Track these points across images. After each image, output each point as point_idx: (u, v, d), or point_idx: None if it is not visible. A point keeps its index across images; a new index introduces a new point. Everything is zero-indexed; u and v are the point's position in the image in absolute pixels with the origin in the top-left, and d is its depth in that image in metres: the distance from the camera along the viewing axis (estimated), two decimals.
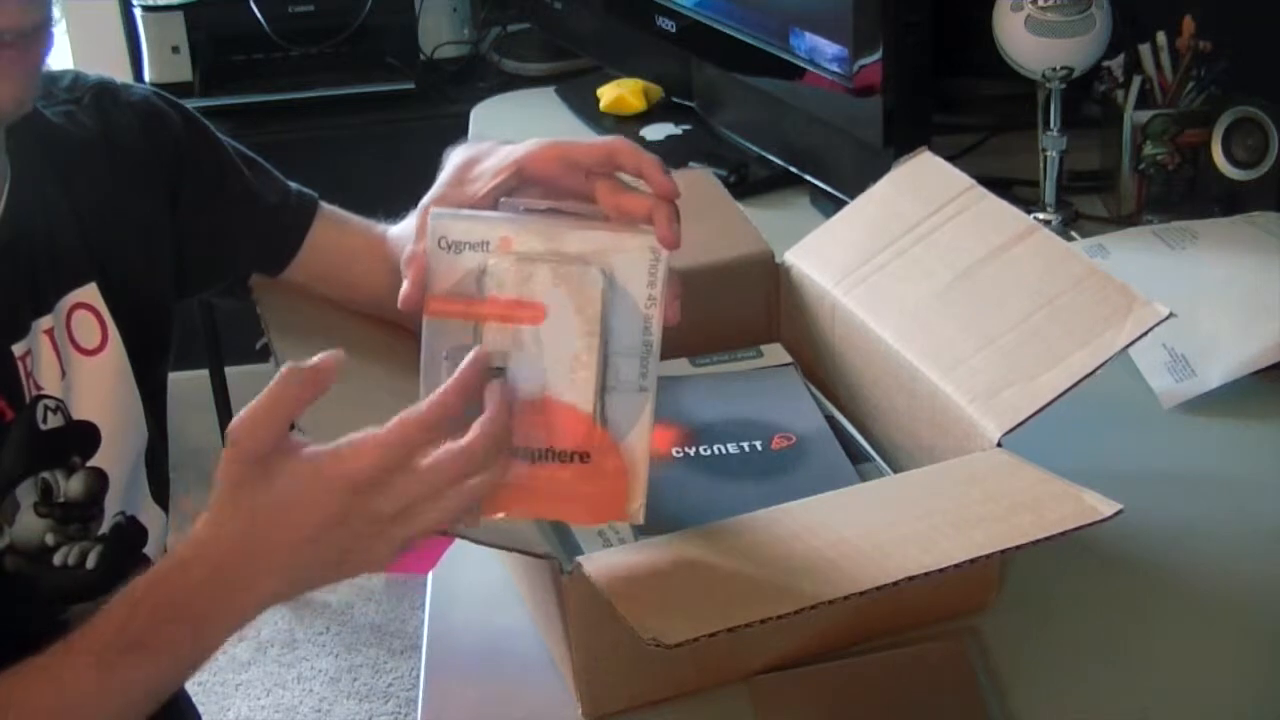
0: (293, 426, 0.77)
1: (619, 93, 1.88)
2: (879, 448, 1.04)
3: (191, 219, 1.02)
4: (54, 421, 0.91)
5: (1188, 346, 1.20)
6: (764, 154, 1.66)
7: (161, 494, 1.01)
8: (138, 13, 2.32)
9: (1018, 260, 1.03)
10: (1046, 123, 1.46)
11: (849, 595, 0.77)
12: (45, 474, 0.91)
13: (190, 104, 1.06)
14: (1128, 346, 0.93)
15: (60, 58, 2.42)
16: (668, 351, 1.02)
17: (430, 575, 1.03)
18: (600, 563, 0.81)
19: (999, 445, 0.92)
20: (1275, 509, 1.06)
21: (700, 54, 1.77)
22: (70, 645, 0.78)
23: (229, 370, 2.46)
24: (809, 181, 1.58)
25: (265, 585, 0.77)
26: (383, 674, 2.26)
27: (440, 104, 2.34)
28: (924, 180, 1.13)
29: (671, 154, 1.73)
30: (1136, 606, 0.97)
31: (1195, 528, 1.04)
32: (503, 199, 0.86)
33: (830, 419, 1.07)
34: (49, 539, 0.92)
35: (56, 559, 0.92)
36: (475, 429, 0.76)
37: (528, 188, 0.88)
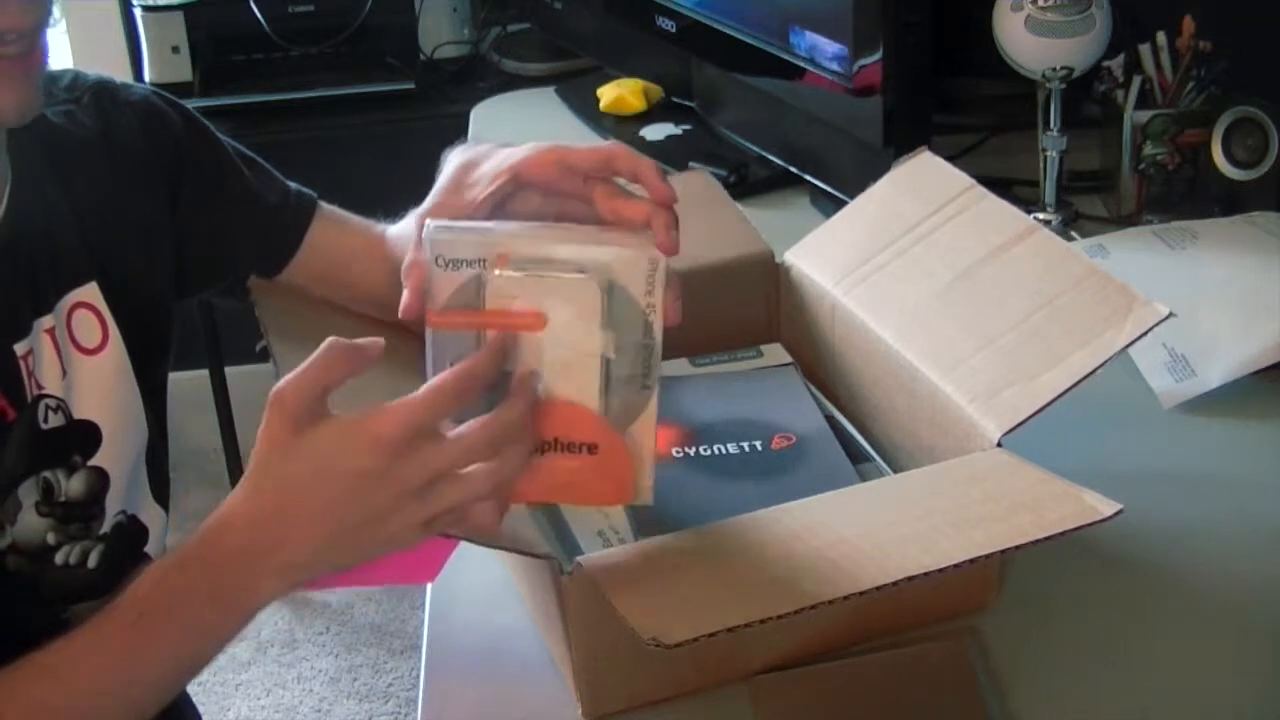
0: None
1: (619, 93, 1.88)
2: (879, 448, 1.04)
3: (191, 219, 1.02)
4: (55, 421, 0.91)
5: (1188, 346, 1.20)
6: (764, 154, 1.66)
7: (162, 493, 1.01)
8: (138, 13, 2.32)
9: (1018, 260, 1.03)
10: (1046, 123, 1.46)
11: (849, 595, 0.77)
12: (46, 473, 0.91)
13: (190, 104, 1.06)
14: (1128, 346, 0.93)
15: (60, 58, 2.42)
16: (668, 352, 1.02)
17: None
18: (600, 563, 0.81)
19: (999, 445, 0.92)
20: (1275, 509, 1.06)
21: (700, 54, 1.77)
22: (112, 609, 0.79)
23: (229, 370, 2.46)
24: (809, 181, 1.58)
25: (292, 552, 0.77)
26: (383, 674, 2.26)
27: (440, 104, 2.34)
28: (924, 180, 1.13)
29: (671, 154, 1.73)
30: (1136, 606, 0.97)
31: (1195, 528, 1.04)
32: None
33: (830, 419, 1.07)
34: (50, 538, 0.92)
35: (58, 558, 0.92)
36: (499, 409, 0.78)
37: (525, 192, 0.88)
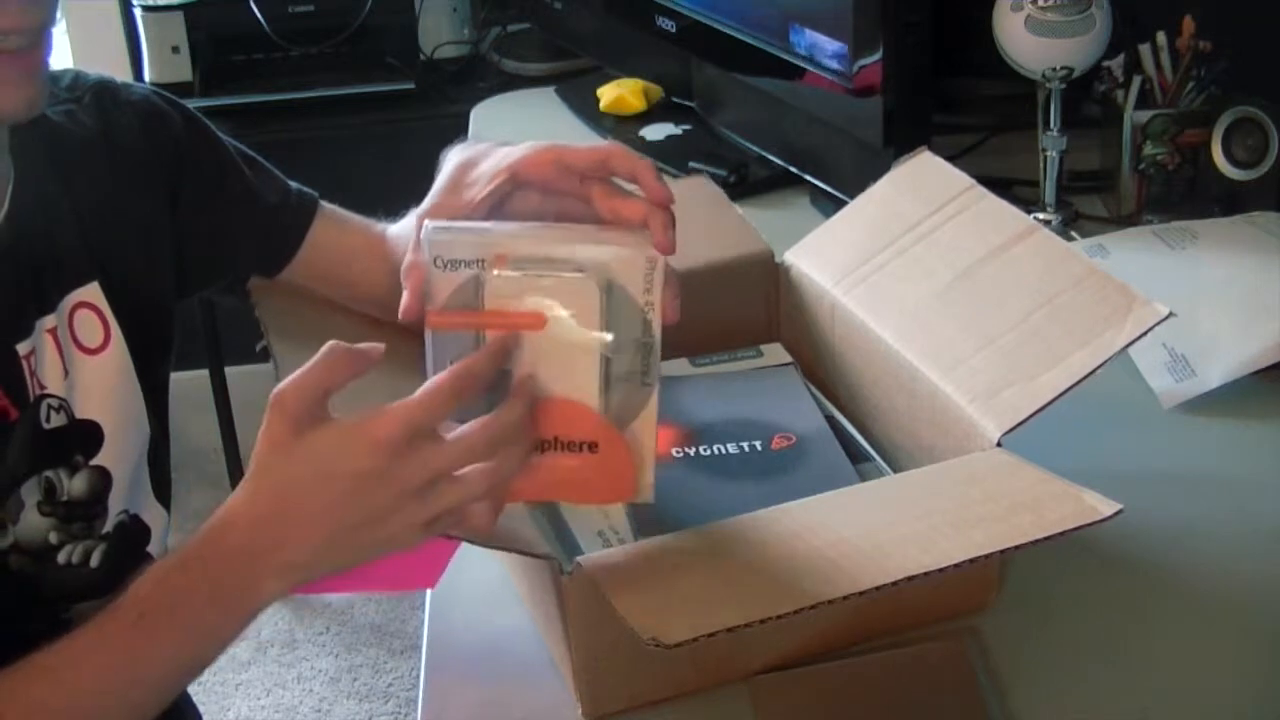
0: None
1: (619, 93, 1.88)
2: (879, 448, 1.04)
3: (192, 218, 1.02)
4: (57, 420, 0.91)
5: (1188, 346, 1.20)
6: (764, 154, 1.66)
7: (164, 493, 1.01)
8: (138, 13, 2.32)
9: (1017, 260, 1.03)
10: (1046, 123, 1.47)
11: (849, 595, 0.77)
12: (49, 473, 0.91)
13: (190, 104, 1.06)
14: (1128, 346, 0.93)
15: (60, 58, 2.42)
16: (668, 352, 1.02)
17: None
18: (600, 563, 0.81)
19: (999, 445, 0.92)
20: (1275, 509, 1.06)
21: (700, 54, 1.77)
22: (113, 609, 0.80)
23: (229, 370, 2.46)
24: (809, 181, 1.58)
25: (292, 553, 0.77)
26: (383, 674, 2.26)
27: (440, 104, 2.34)
28: (924, 180, 1.13)
29: (671, 154, 1.73)
30: (1136, 606, 0.97)
31: (1195, 528, 1.04)
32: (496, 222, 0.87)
33: (830, 419, 1.07)
34: (53, 538, 0.92)
35: (60, 558, 0.93)
36: (498, 410, 0.78)
37: (523, 191, 0.88)
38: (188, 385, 2.20)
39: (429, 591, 1.02)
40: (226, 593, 0.78)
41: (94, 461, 0.93)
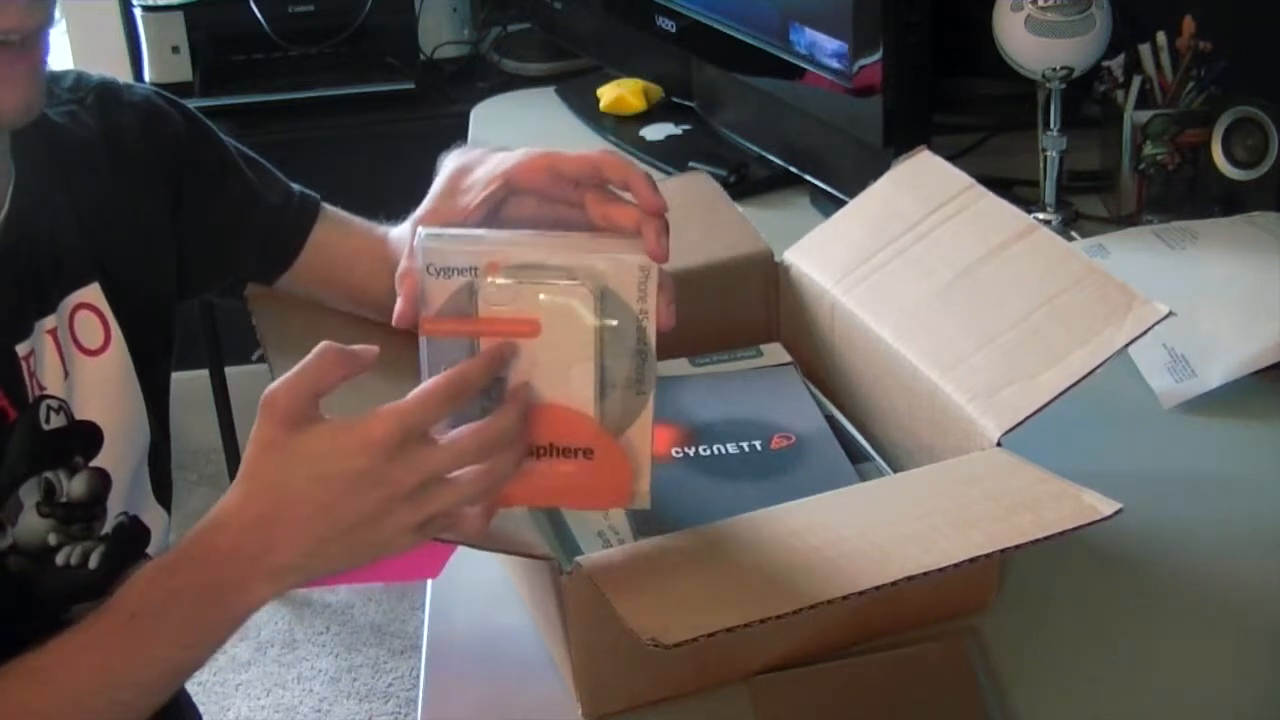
0: None
1: (619, 93, 1.88)
2: (879, 447, 1.04)
3: (193, 218, 1.02)
4: (57, 422, 0.91)
5: (1188, 346, 1.20)
6: (764, 154, 1.66)
7: (164, 494, 1.01)
8: (138, 13, 2.32)
9: (1017, 259, 1.03)
10: (1046, 123, 1.46)
11: (849, 595, 0.77)
12: (48, 474, 0.91)
13: (190, 104, 1.06)
14: (1128, 345, 0.93)
15: (60, 58, 2.42)
16: (667, 351, 1.02)
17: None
18: (600, 563, 0.81)
19: (999, 445, 0.92)
20: (1275, 509, 1.06)
21: (700, 54, 1.77)
22: (103, 610, 0.80)
23: (229, 370, 2.46)
24: (809, 181, 1.58)
25: (283, 555, 0.77)
26: (383, 674, 2.26)
27: (440, 104, 2.34)
28: (923, 179, 1.13)
29: (671, 154, 1.73)
30: (1136, 606, 0.97)
31: (1195, 528, 1.04)
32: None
33: (830, 419, 1.07)
34: (52, 539, 0.92)
35: (59, 559, 0.92)
36: (492, 415, 0.79)
37: (519, 197, 0.88)
38: (188, 385, 2.20)
39: (429, 591, 1.02)
40: (217, 594, 0.78)
41: (93, 463, 0.93)
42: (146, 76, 2.33)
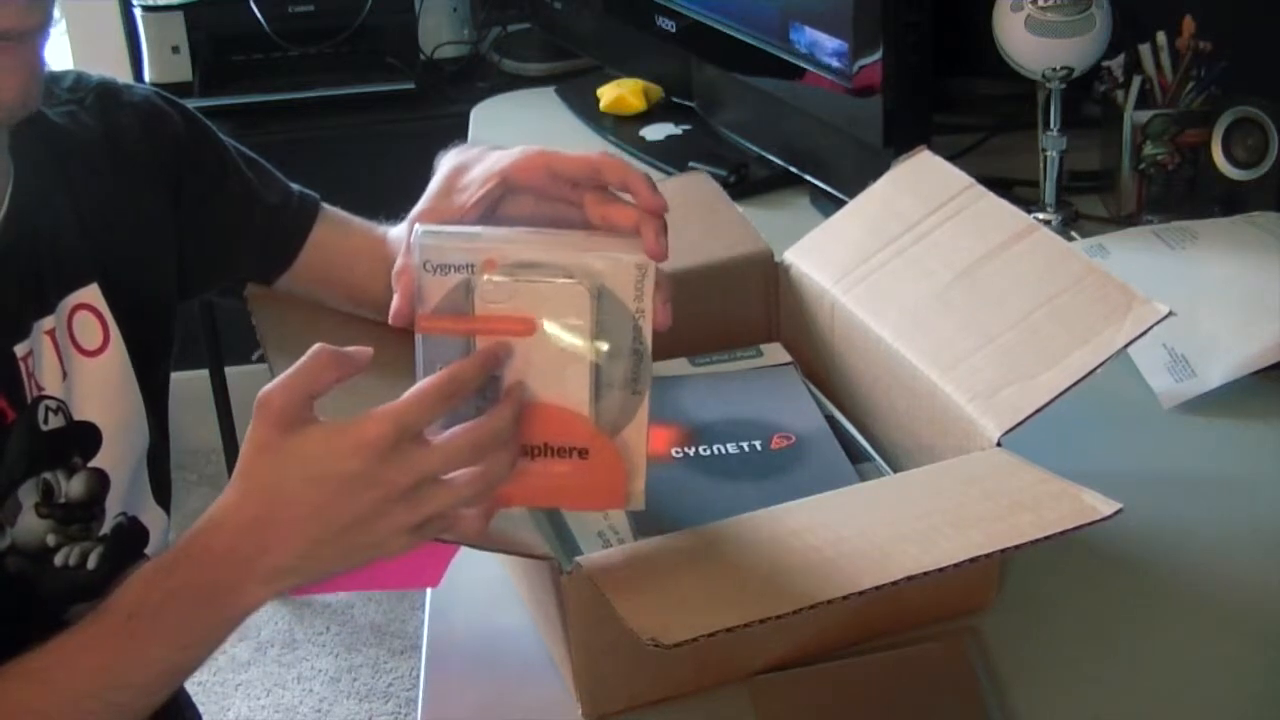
0: None
1: (619, 93, 1.88)
2: (879, 447, 1.04)
3: (192, 218, 1.02)
4: (55, 422, 0.91)
5: (1188, 346, 1.20)
6: (764, 154, 1.66)
7: (163, 495, 1.01)
8: (138, 13, 2.32)
9: (1017, 259, 1.03)
10: (1046, 123, 1.46)
11: (849, 595, 0.77)
12: (46, 475, 0.91)
13: (190, 104, 1.06)
14: (1128, 345, 0.93)
15: (60, 58, 2.42)
16: (668, 351, 1.02)
17: None
18: (599, 563, 0.81)
19: (999, 445, 0.92)
20: (1275, 509, 1.06)
21: (700, 54, 1.77)
22: (100, 611, 0.80)
23: (229, 370, 2.46)
24: (809, 181, 1.58)
25: (278, 556, 0.77)
26: (383, 674, 2.26)
27: (440, 104, 2.34)
28: (923, 179, 1.13)
29: (671, 154, 1.73)
30: (1136, 606, 0.97)
31: (1195, 528, 1.04)
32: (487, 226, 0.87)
33: (830, 418, 1.07)
34: (50, 540, 0.92)
35: (57, 560, 0.92)
36: (486, 415, 0.79)
37: (517, 195, 0.88)
38: (188, 385, 2.20)
39: (429, 591, 1.02)
40: (213, 596, 0.78)
41: (92, 463, 0.93)
42: (146, 76, 2.33)
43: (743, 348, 1.16)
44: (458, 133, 1.88)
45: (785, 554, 0.81)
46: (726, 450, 1.03)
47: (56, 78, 0.99)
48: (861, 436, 1.05)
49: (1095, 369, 0.92)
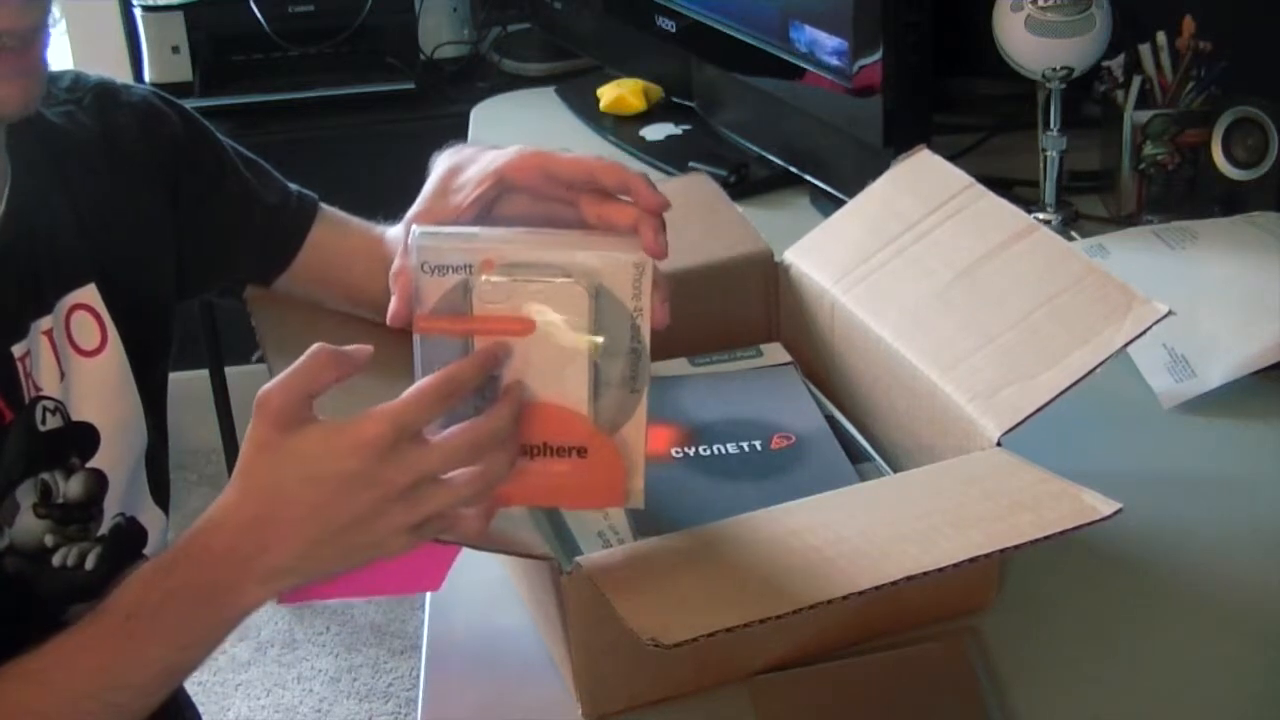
0: None
1: (619, 93, 1.88)
2: (879, 447, 1.04)
3: (191, 218, 1.02)
4: (53, 423, 0.91)
5: (1188, 346, 1.20)
6: (764, 154, 1.66)
7: (162, 495, 1.01)
8: (138, 13, 2.32)
9: (1017, 258, 1.03)
10: (1046, 123, 1.46)
11: (849, 595, 0.77)
12: (44, 475, 0.91)
13: (190, 104, 1.06)
14: (1128, 344, 0.93)
15: (60, 58, 2.42)
16: (667, 351, 1.02)
17: None
18: (599, 563, 0.81)
19: (999, 445, 0.92)
20: (1275, 509, 1.06)
21: (700, 54, 1.77)
22: (99, 612, 0.80)
23: (229, 370, 2.46)
24: (809, 181, 1.58)
25: (277, 556, 0.77)
26: (383, 674, 2.26)
27: (440, 104, 2.34)
28: (923, 178, 1.13)
29: (671, 154, 1.73)
30: (1136, 606, 0.97)
31: (1195, 528, 1.04)
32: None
33: (830, 418, 1.07)
34: (48, 540, 0.92)
35: (55, 560, 0.92)
36: (484, 414, 0.79)
37: (512, 195, 0.88)
38: (188, 385, 2.20)
39: (429, 592, 1.02)
40: (212, 596, 0.78)
41: (90, 464, 0.93)
42: (146, 76, 2.33)
43: (743, 348, 1.16)
44: (458, 133, 1.88)
45: (785, 554, 0.81)
46: (726, 450, 1.03)
47: (54, 77, 0.98)
48: (861, 436, 1.05)
49: (1095, 369, 0.92)
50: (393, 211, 1.04)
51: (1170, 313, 0.93)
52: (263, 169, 1.08)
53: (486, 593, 1.01)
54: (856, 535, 0.82)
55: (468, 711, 0.92)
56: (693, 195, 1.24)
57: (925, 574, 0.78)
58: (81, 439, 0.93)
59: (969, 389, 0.96)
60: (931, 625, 0.94)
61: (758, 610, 0.76)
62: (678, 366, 1.13)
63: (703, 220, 1.20)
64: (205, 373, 2.45)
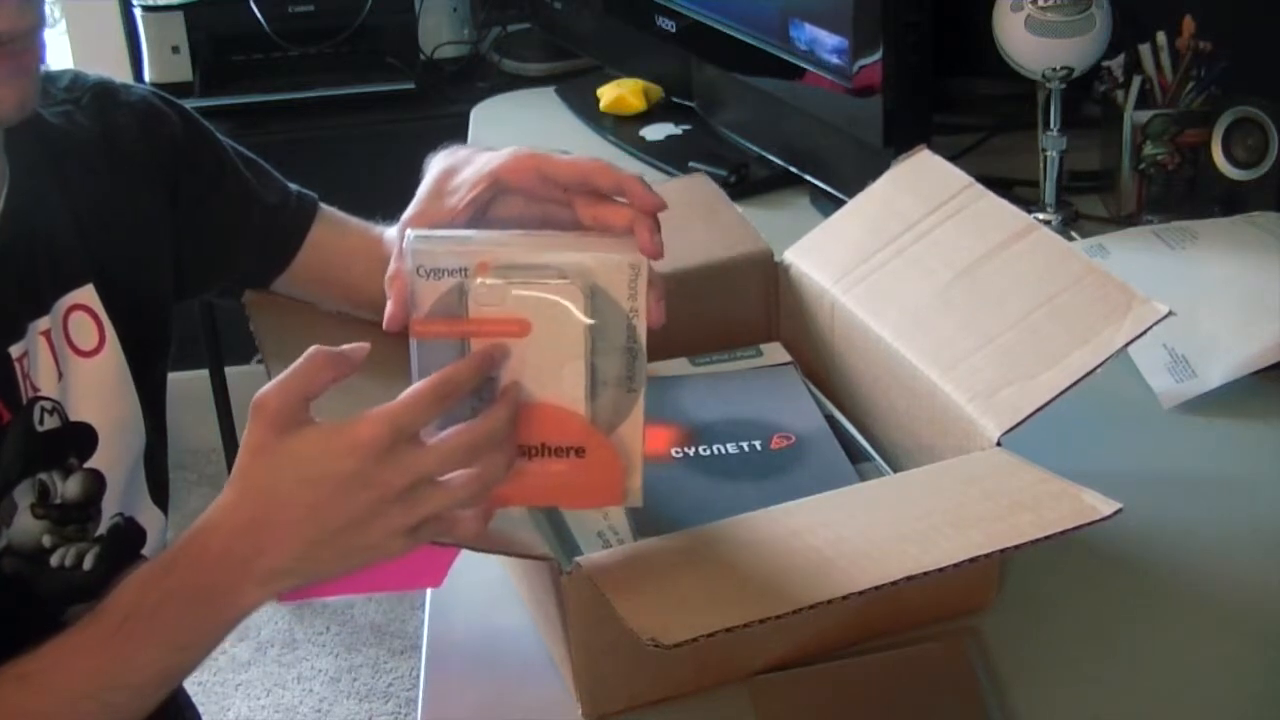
0: None
1: (619, 93, 1.88)
2: (879, 447, 1.04)
3: (190, 218, 1.02)
4: (51, 423, 0.91)
5: (1188, 346, 1.20)
6: (764, 154, 1.66)
7: (160, 495, 1.01)
8: (138, 13, 2.32)
9: (1017, 258, 1.03)
10: (1046, 123, 1.46)
11: (849, 595, 0.77)
12: (42, 475, 0.91)
13: (190, 104, 1.06)
14: (1127, 344, 0.93)
15: (60, 58, 2.43)
16: (667, 351, 1.02)
17: None
18: (599, 563, 0.81)
19: (998, 444, 0.92)
20: (1275, 509, 1.06)
21: (700, 54, 1.77)
22: (96, 613, 0.80)
23: (229, 370, 2.46)
24: (809, 181, 1.58)
25: (274, 558, 0.77)
26: (383, 674, 2.26)
27: (440, 104, 2.34)
28: (923, 178, 1.13)
29: (671, 154, 1.73)
30: (1136, 606, 0.97)
31: (1195, 528, 1.04)
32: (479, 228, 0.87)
33: (830, 418, 1.07)
34: (46, 540, 0.92)
35: (54, 560, 0.92)
36: (481, 416, 0.79)
37: (507, 196, 0.88)
38: (188, 385, 2.20)
39: (429, 591, 1.02)
40: (209, 598, 0.78)
41: (88, 464, 0.93)
42: (146, 76, 2.33)
43: (743, 347, 1.16)
44: (458, 133, 1.88)
45: (785, 554, 0.81)
46: (726, 450, 1.03)
47: (53, 77, 0.99)
48: (861, 436, 1.05)
49: (1095, 369, 0.92)
50: (392, 211, 1.04)
51: (1170, 313, 0.93)
52: (262, 169, 1.08)
53: (486, 593, 1.01)
54: (856, 535, 0.82)
55: (468, 711, 0.92)
56: (693, 195, 1.23)
57: (925, 574, 0.78)
58: (79, 439, 0.93)
59: (969, 389, 0.96)
60: (931, 625, 0.94)
61: (758, 610, 0.76)
62: (678, 366, 1.13)
63: (703, 220, 1.20)
64: (205, 373, 2.45)
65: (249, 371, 2.30)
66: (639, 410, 0.83)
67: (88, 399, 0.93)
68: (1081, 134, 1.53)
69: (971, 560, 0.80)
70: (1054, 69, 1.42)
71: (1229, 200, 1.43)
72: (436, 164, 0.91)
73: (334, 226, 1.09)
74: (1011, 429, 0.92)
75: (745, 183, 1.63)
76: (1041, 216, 1.48)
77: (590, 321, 0.80)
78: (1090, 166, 1.58)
